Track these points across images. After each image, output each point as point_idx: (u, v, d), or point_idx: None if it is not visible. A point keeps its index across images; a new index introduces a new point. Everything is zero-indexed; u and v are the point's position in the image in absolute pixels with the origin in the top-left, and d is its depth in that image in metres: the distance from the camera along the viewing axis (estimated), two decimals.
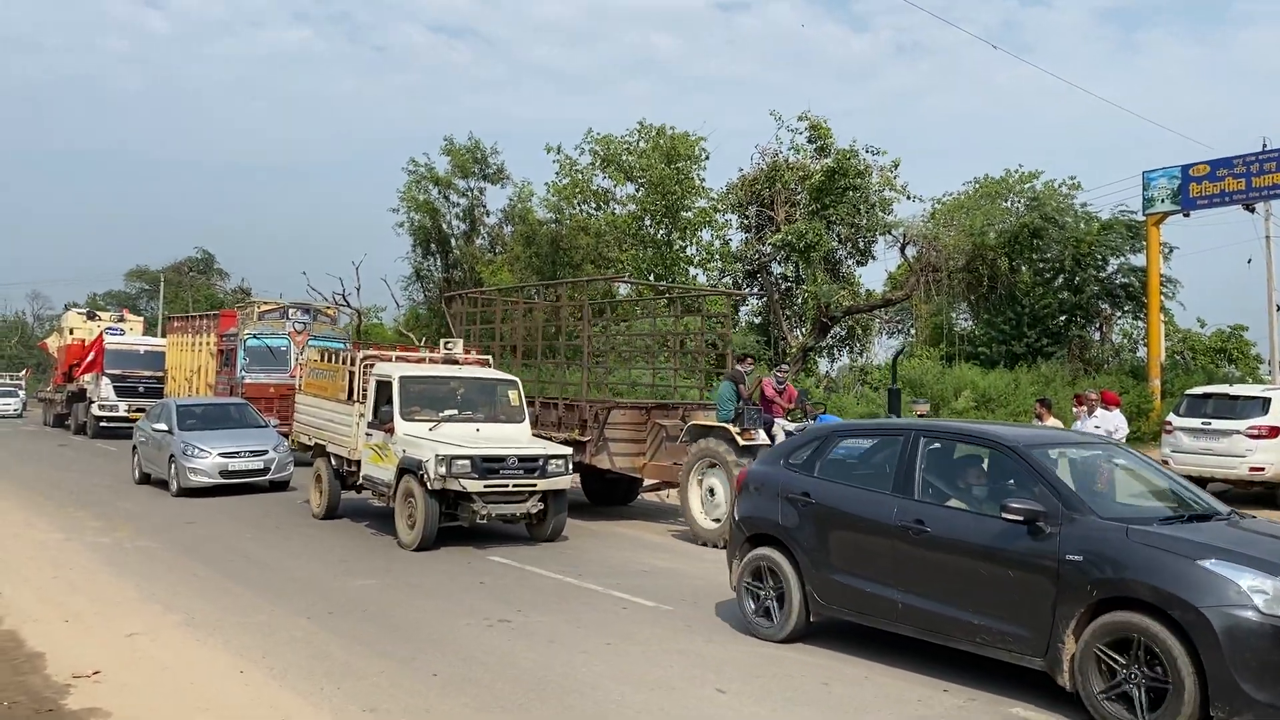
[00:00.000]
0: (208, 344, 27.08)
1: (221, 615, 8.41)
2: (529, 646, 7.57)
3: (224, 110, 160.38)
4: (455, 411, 12.71)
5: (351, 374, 13.66)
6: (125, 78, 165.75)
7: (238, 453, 16.81)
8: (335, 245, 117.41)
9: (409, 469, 11.76)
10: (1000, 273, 30.11)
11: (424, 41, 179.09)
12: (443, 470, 11.31)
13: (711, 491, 12.70)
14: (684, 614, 8.73)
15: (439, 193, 39.66)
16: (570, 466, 12.28)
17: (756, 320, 33.63)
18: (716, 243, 32.73)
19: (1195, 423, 16.01)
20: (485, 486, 11.50)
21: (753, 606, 7.85)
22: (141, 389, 31.11)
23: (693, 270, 32.42)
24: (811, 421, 12.71)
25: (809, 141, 31.01)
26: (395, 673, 6.86)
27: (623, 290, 27.61)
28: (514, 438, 12.60)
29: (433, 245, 40.34)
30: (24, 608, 8.63)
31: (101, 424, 31.09)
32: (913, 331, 37.41)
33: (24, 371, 66.30)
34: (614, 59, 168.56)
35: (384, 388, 12.70)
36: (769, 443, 12.21)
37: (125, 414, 30.36)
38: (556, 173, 33.79)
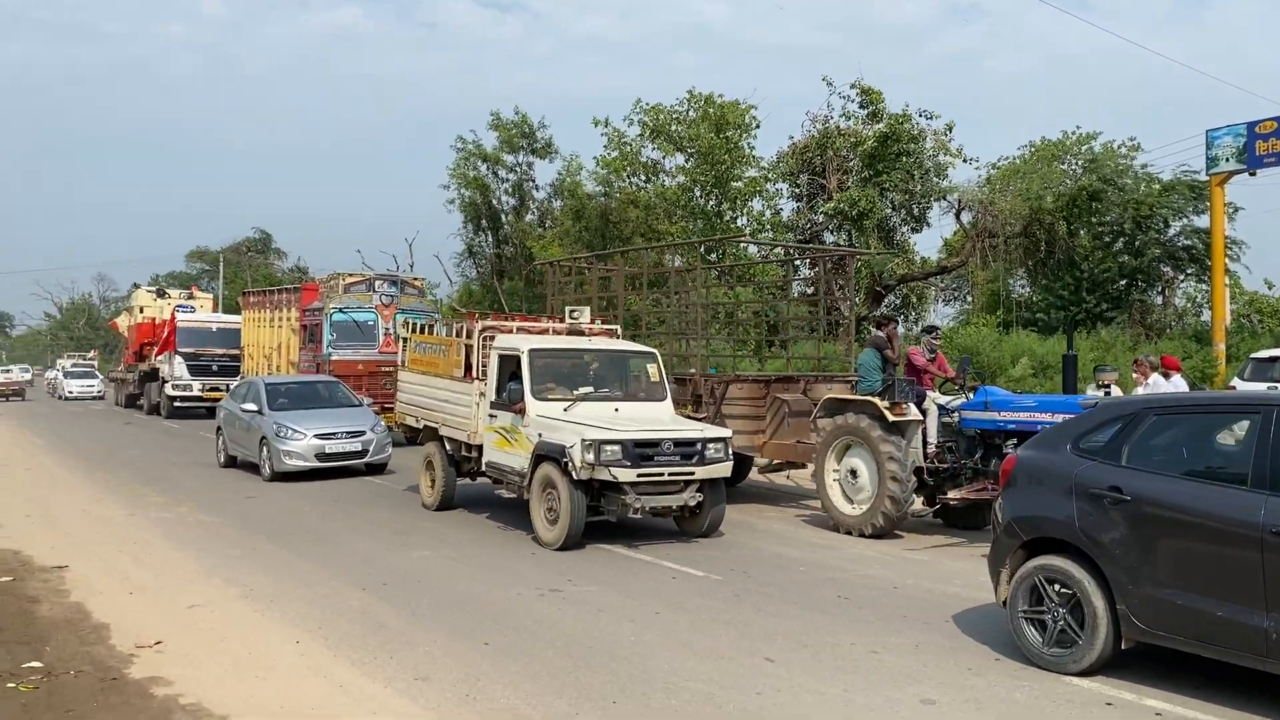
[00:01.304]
0: (289, 319, 26.04)
1: (279, 588, 8.58)
2: (579, 616, 7.63)
3: (277, 91, 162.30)
4: (590, 389, 11.41)
5: (469, 348, 12.31)
6: (181, 61, 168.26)
7: (335, 434, 15.86)
8: (388, 223, 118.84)
9: (548, 455, 10.39)
10: (1058, 237, 29.56)
11: (472, 17, 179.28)
12: (591, 457, 9.92)
13: (854, 473, 11.23)
14: (733, 584, 8.73)
15: (488, 169, 39.79)
16: (730, 451, 10.77)
17: (809, 291, 33.38)
18: (767, 213, 32.46)
19: (1261, 387, 15.63)
20: (638, 476, 10.09)
21: (1037, 633, 6.33)
22: (215, 367, 30.56)
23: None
24: (969, 395, 11.13)
25: (861, 107, 30.59)
26: (447, 642, 6.95)
27: (677, 261, 27.48)
28: (657, 418, 11.15)
29: (483, 221, 40.52)
30: (91, 581, 8.88)
31: (175, 404, 30.50)
32: (969, 299, 36.89)
33: (91, 353, 67.97)
34: (662, 28, 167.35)
35: (508, 362, 11.39)
36: (920, 418, 11.02)
37: (199, 393, 30.03)
38: (605, 145, 33.68)
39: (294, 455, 15.48)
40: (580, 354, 12.03)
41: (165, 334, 31.65)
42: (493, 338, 12.01)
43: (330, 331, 22.56)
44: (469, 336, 12.36)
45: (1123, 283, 29.80)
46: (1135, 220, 28.54)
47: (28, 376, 58.34)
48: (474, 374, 12.05)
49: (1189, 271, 29.73)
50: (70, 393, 45.23)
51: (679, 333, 17.78)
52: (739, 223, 32.26)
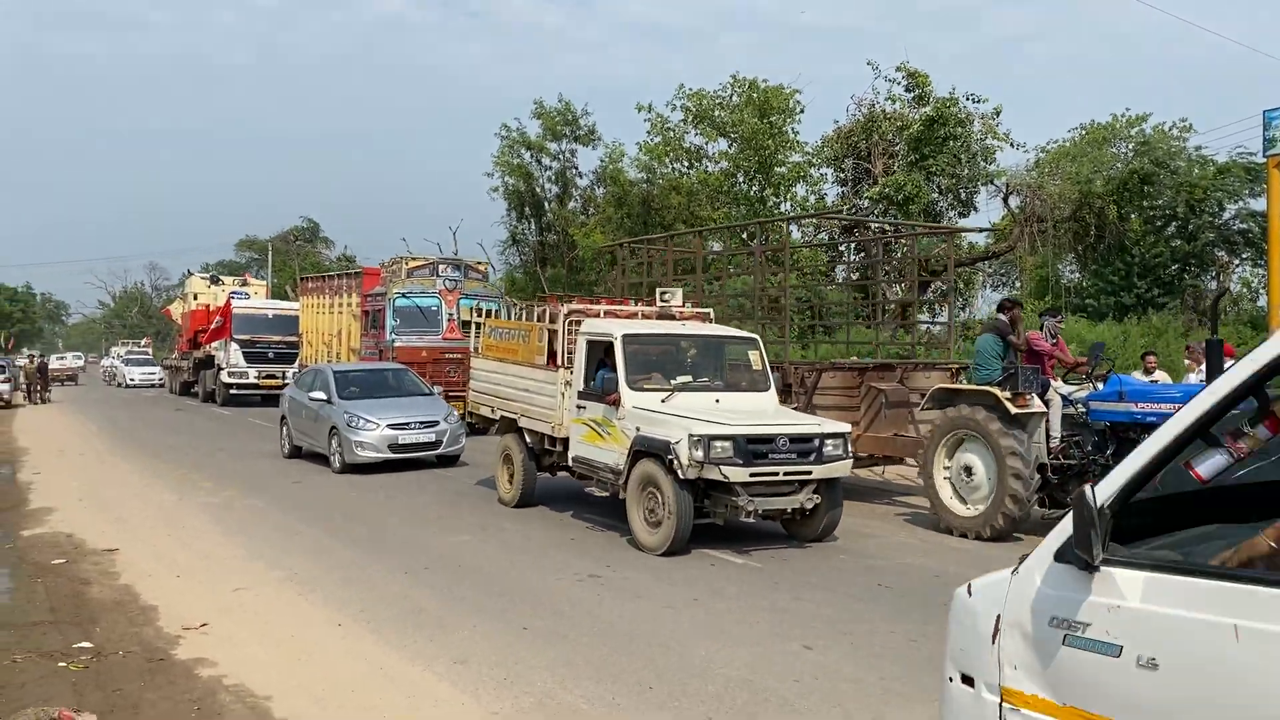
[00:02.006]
0: (349, 305, 25.73)
1: (322, 571, 8.70)
2: (618, 602, 7.65)
3: (325, 81, 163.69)
4: (689, 378, 10.40)
5: (552, 333, 11.38)
6: (233, 52, 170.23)
7: (408, 424, 15.20)
8: (433, 212, 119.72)
9: (648, 451, 9.42)
10: (1108, 221, 29.01)
11: (517, 4, 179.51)
12: (699, 454, 8.93)
13: (968, 471, 10.16)
14: (772, 571, 8.70)
15: (531, 156, 39.87)
16: (849, 447, 9.75)
17: (854, 277, 33.13)
18: (811, 198, 32.26)
19: None
20: (751, 475, 9.13)
21: None
22: (271, 354, 30.36)
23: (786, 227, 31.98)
24: (1098, 385, 10.18)
25: (907, 90, 30.24)
26: (486, 626, 7.00)
27: (715, 246, 27.37)
28: (762, 409, 10.22)
29: (526, 209, 40.63)
30: (140, 564, 9.06)
31: (231, 391, 30.36)
32: (1017, 284, 36.36)
33: (144, 340, 69.27)
34: (707, 10, 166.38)
35: (597, 349, 10.50)
36: (1044, 410, 10.01)
37: (255, 380, 29.92)
38: (648, 131, 33.64)
39: (366, 446, 14.84)
40: (676, 340, 11.05)
41: (220, 321, 31.23)
42: (579, 322, 11.08)
43: (393, 317, 21.95)
44: (552, 321, 11.44)
45: (1175, 267, 29.20)
46: (1188, 204, 27.94)
47: (80, 363, 62.84)
48: (558, 361, 11.17)
49: (1244, 256, 29.05)
50: (132, 380, 45.63)
51: (747, 316, 17.09)
52: (782, 208, 32.09)
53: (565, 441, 10.99)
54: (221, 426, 24.12)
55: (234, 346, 30.28)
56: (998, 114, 29.11)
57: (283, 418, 17.57)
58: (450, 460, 15.75)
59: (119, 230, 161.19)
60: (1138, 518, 2.81)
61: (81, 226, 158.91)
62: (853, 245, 27.25)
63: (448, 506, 12.19)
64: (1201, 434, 2.56)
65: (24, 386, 33.37)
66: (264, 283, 45.05)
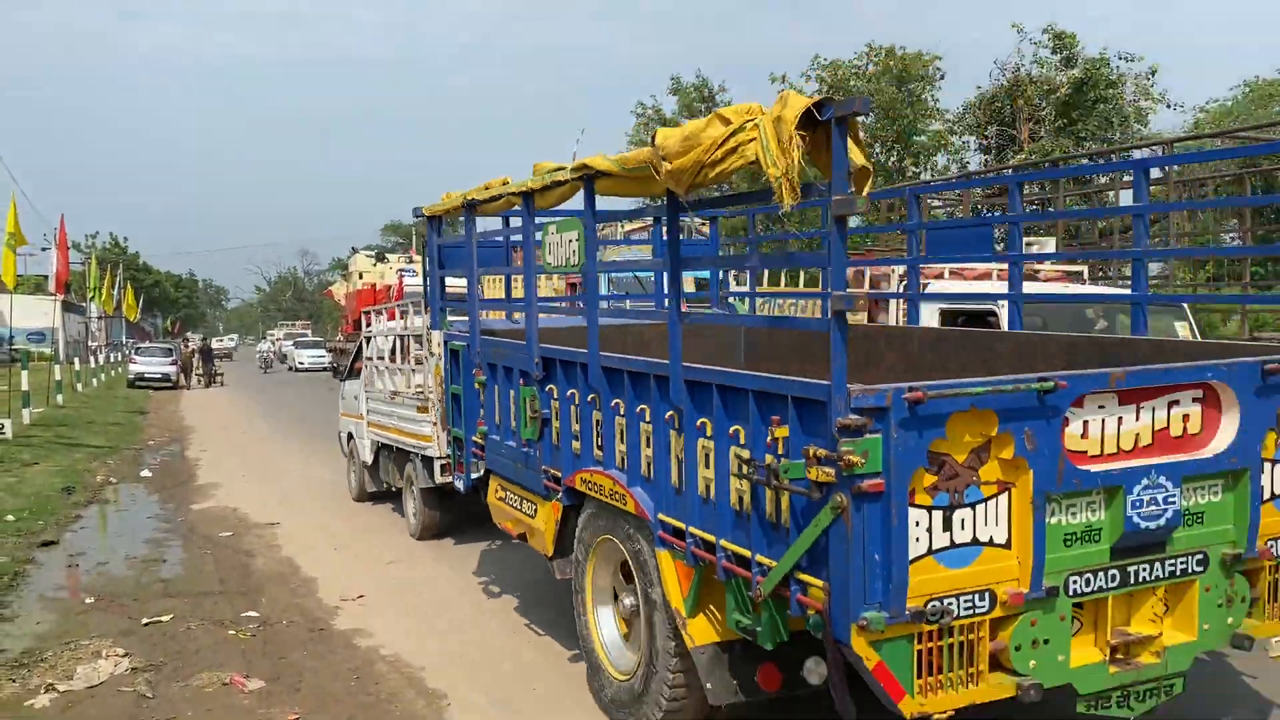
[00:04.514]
0: (547, 279, 20.15)
1: (471, 550, 8.88)
2: None
3: (460, 68, 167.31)
4: None
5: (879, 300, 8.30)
6: (373, 45, 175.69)
7: None
8: None
9: None
10: (1276, 185, 27.26)
11: None
12: None
13: None
14: None
15: None
16: None
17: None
18: (953, 167, 31.32)
19: None
20: None
21: None
22: None
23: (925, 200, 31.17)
24: None
25: (1054, 53, 28.99)
26: None
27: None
28: None
29: None
30: (300, 537, 9.47)
31: None
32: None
33: (297, 323, 72.36)
34: None
35: None
36: None
37: None
38: None
39: None
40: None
41: (392, 299, 30.46)
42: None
43: (608, 288, 17.32)
44: (876, 285, 8.28)
45: None
46: None
47: (233, 344, 70.93)
48: None
49: None
50: (301, 364, 45.30)
51: None
52: (923, 178, 31.25)
53: None
54: None
55: None
56: (1153, 74, 27.65)
57: None
58: None
59: (272, 220, 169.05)
60: None
61: (239, 217, 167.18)
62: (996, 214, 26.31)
63: None
64: None
65: (186, 369, 34.31)
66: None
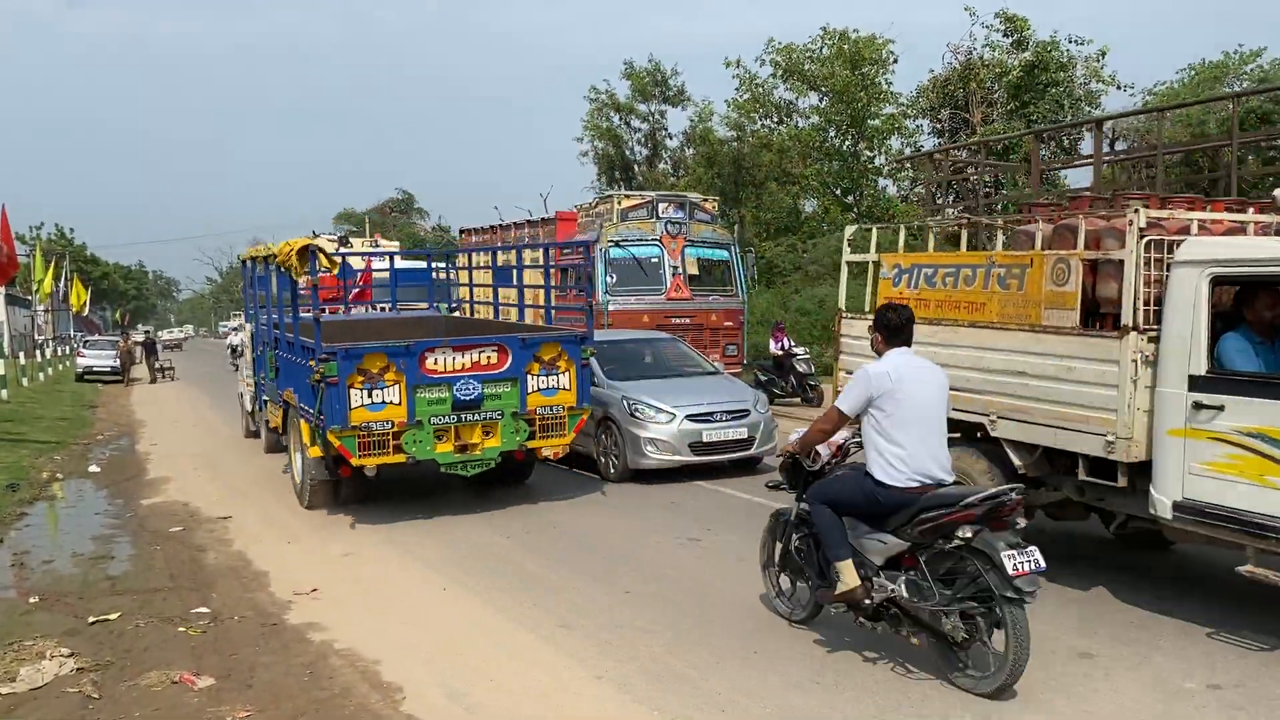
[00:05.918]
0: (533, 258, 18.40)
1: (426, 536, 8.81)
2: (718, 565, 7.59)
3: (412, 51, 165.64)
4: None
5: (1095, 266, 6.43)
6: (327, 28, 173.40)
7: (712, 414, 11.16)
8: (523, 179, 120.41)
9: None
10: (1222, 164, 27.69)
11: None
12: None
13: None
14: None
15: (620, 119, 39.70)
16: None
17: (954, 230, 32.34)
18: (907, 150, 31.49)
19: None
20: None
21: None
22: None
23: (882, 181, 31.33)
24: None
25: (1005, 36, 29.22)
26: (588, 589, 7.01)
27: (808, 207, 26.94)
28: None
29: (616, 172, 40.55)
30: (252, 530, 9.31)
31: None
32: None
33: None
34: None
35: (1227, 295, 6.05)
36: None
37: None
38: (737, 88, 33.18)
39: (661, 445, 10.92)
40: None
41: (359, 288, 27.47)
42: (1173, 247, 6.06)
43: (608, 272, 16.85)
44: (1096, 246, 6.42)
45: None
46: None
47: (184, 335, 79.26)
48: (1132, 323, 6.01)
49: None
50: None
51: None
52: (876, 162, 31.42)
53: (1147, 473, 6.02)
54: None
55: None
56: (1103, 56, 27.97)
57: None
58: (750, 464, 11.60)
59: (223, 207, 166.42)
60: None
61: (189, 205, 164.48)
62: (950, 198, 26.51)
63: (544, 475, 12.15)
64: None
65: (124, 364, 32.66)
66: (397, 243, 43.47)
